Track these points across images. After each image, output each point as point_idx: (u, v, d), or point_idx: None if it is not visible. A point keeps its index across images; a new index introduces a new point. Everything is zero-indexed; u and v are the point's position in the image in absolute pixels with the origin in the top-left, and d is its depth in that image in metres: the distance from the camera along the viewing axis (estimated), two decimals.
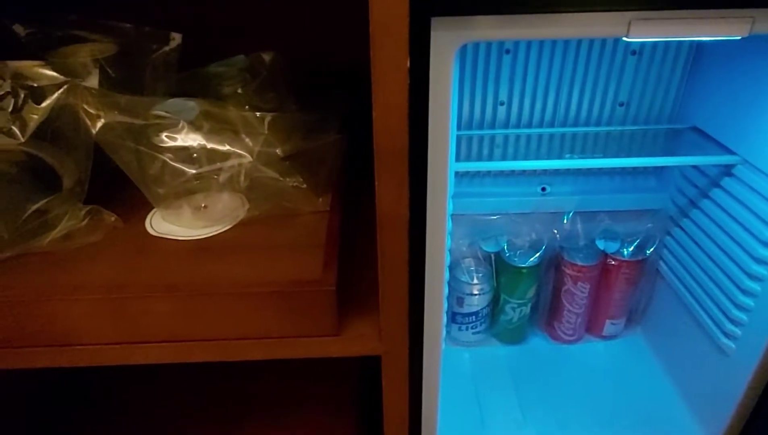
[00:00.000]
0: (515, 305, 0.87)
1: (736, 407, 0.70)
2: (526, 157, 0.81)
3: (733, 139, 0.69)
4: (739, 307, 0.67)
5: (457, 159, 0.81)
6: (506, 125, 0.79)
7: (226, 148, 0.49)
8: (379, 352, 0.46)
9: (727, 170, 0.69)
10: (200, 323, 0.45)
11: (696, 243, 0.76)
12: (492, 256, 0.86)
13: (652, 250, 0.83)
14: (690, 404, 0.80)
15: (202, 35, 0.61)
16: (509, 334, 0.91)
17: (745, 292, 0.66)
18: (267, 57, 0.63)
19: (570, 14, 0.44)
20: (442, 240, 0.55)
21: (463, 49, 0.74)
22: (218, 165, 0.49)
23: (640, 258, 0.84)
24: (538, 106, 0.78)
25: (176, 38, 0.58)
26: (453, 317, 0.90)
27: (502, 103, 0.78)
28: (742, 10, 0.44)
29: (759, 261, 0.64)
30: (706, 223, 0.74)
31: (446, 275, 0.65)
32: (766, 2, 0.44)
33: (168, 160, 0.48)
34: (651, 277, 0.87)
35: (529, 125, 0.80)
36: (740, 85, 0.67)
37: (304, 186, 0.53)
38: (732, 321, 0.69)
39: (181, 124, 0.48)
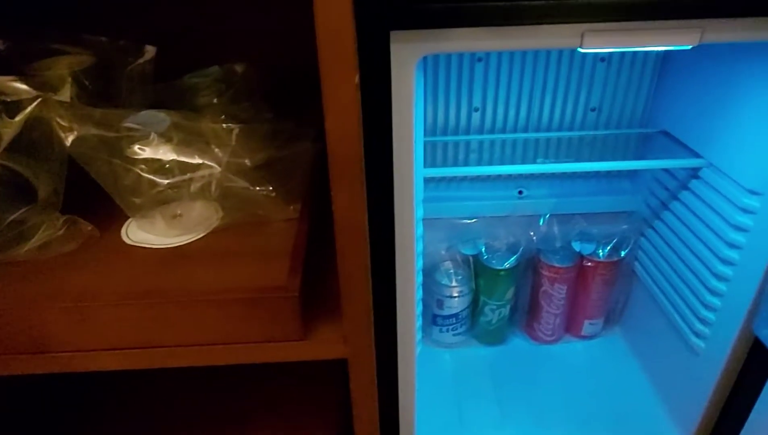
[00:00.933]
0: (494, 307, 0.89)
1: (707, 405, 0.71)
2: (501, 162, 0.82)
3: (700, 142, 0.71)
4: (707, 306, 0.69)
5: (434, 164, 0.82)
6: (481, 131, 0.81)
7: (196, 159, 0.50)
8: (345, 355, 0.48)
9: (695, 173, 0.71)
10: (171, 329, 0.47)
11: (668, 244, 0.78)
12: (470, 258, 0.88)
13: (627, 251, 0.85)
14: (665, 402, 0.81)
15: (178, 47, 0.62)
16: (489, 335, 0.93)
17: (712, 291, 0.68)
18: (240, 68, 0.64)
19: (525, 27, 0.46)
20: (411, 244, 0.57)
21: (434, 59, 0.76)
22: (189, 175, 0.50)
23: (615, 259, 0.85)
24: (512, 111, 0.80)
25: (150, 51, 0.60)
26: (434, 319, 0.91)
27: (476, 110, 0.80)
28: (690, 20, 0.46)
29: (724, 261, 0.66)
30: (677, 225, 0.75)
31: (419, 278, 0.67)
32: (713, 13, 0.45)
33: (140, 171, 0.49)
34: (627, 278, 0.89)
35: (504, 130, 0.81)
36: (705, 91, 0.69)
37: (274, 194, 0.54)
38: (701, 320, 0.70)
39: (152, 136, 0.50)
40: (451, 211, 0.85)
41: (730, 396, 0.69)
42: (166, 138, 0.51)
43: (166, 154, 0.50)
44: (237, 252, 0.52)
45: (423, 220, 0.82)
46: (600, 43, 0.46)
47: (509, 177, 0.86)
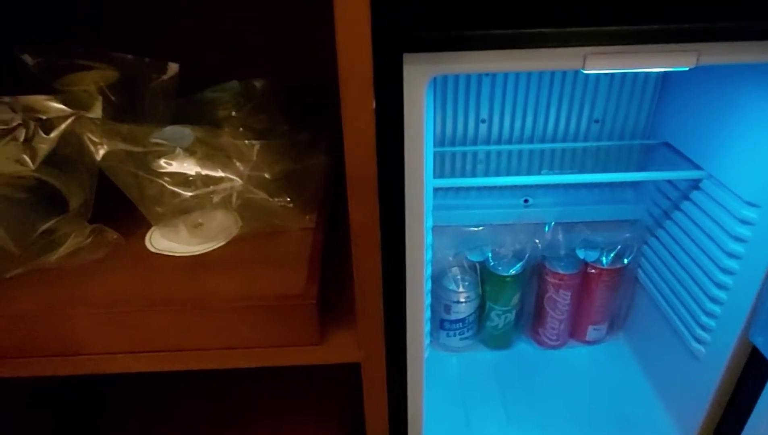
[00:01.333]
0: (500, 312, 0.91)
1: (708, 409, 0.73)
2: (508, 172, 0.85)
3: (700, 154, 0.73)
4: (708, 313, 0.71)
5: (442, 174, 0.85)
6: (488, 142, 0.84)
7: (219, 172, 0.53)
8: (358, 359, 0.50)
9: (695, 184, 0.73)
10: (193, 334, 0.49)
11: (670, 252, 0.80)
12: (477, 265, 0.90)
13: (630, 258, 0.87)
14: (667, 406, 0.84)
15: (199, 62, 0.65)
16: (495, 339, 0.95)
17: (712, 299, 0.70)
18: (258, 84, 0.67)
19: (530, 50, 0.48)
20: (421, 252, 0.60)
21: (441, 76, 0.79)
22: (212, 188, 0.53)
23: (618, 266, 0.88)
24: (518, 123, 0.82)
25: (173, 68, 0.63)
26: (441, 324, 0.94)
27: (483, 121, 0.82)
28: (687, 44, 0.48)
29: (724, 270, 0.68)
30: (679, 234, 0.77)
31: (428, 285, 0.69)
32: (709, 37, 0.48)
33: (165, 183, 0.52)
34: (630, 285, 0.91)
35: (510, 141, 0.84)
36: (706, 105, 0.71)
37: (291, 205, 0.57)
38: (701, 326, 0.72)
39: (177, 151, 0.53)
40: (459, 219, 0.88)
41: (730, 400, 0.71)
42: (190, 152, 0.54)
43: (190, 167, 0.53)
44: (256, 260, 0.55)
45: (432, 227, 0.85)
46: (602, 65, 0.49)
47: (515, 186, 0.88)
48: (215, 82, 0.69)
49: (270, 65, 0.73)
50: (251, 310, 0.48)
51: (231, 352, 0.50)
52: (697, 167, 0.72)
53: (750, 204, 0.63)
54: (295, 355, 0.49)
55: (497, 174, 0.84)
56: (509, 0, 0.48)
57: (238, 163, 0.55)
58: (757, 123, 0.61)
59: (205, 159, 0.54)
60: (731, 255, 0.66)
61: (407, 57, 0.48)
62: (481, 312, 0.93)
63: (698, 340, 0.73)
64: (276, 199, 0.57)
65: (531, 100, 0.81)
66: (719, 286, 0.69)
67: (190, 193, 0.53)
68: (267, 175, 0.55)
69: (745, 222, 0.64)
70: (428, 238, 0.65)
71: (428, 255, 0.66)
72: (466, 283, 0.90)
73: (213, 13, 0.73)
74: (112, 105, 0.61)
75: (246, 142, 0.54)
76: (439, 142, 0.83)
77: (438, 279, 0.91)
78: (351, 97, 0.38)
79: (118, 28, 0.73)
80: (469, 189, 0.89)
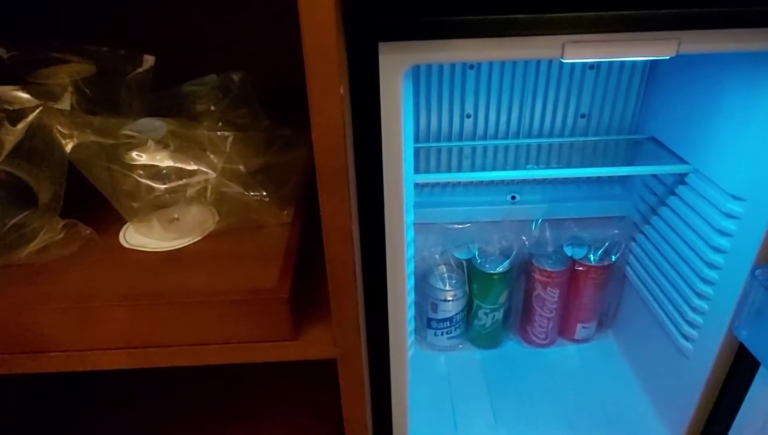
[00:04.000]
0: (488, 310, 0.90)
1: (696, 408, 0.72)
2: (494, 168, 0.84)
3: (686, 148, 0.72)
4: (695, 309, 0.70)
5: (427, 171, 0.84)
6: (473, 137, 0.83)
7: (192, 165, 0.52)
8: (334, 355, 0.49)
9: (682, 179, 0.72)
10: (166, 330, 0.48)
11: (657, 248, 0.79)
12: (464, 263, 0.89)
13: (618, 255, 0.86)
14: (655, 404, 0.83)
15: (177, 55, 0.64)
16: (484, 338, 0.94)
17: (699, 295, 0.69)
18: (237, 76, 0.66)
19: (507, 39, 0.47)
20: (402, 247, 0.59)
21: (427, 67, 0.78)
22: (185, 181, 0.52)
23: (606, 263, 0.87)
24: (503, 118, 0.82)
25: (149, 60, 0.62)
26: (428, 323, 0.93)
27: (468, 116, 0.81)
28: (667, 32, 0.47)
29: (710, 265, 0.67)
30: (666, 230, 0.77)
31: (410, 282, 0.68)
32: (689, 25, 0.47)
33: (138, 177, 0.51)
34: (619, 282, 0.90)
35: (496, 136, 0.83)
36: (691, 98, 0.70)
37: (268, 200, 0.56)
38: (689, 323, 0.71)
39: (149, 143, 0.52)
40: (444, 217, 0.87)
41: (718, 397, 0.70)
42: (163, 144, 0.53)
43: (162, 160, 0.51)
44: (231, 255, 0.54)
45: (417, 224, 0.84)
46: (580, 54, 0.48)
47: (502, 182, 0.88)
48: (194, 76, 0.68)
49: (251, 59, 0.72)
50: (223, 305, 0.47)
51: (204, 347, 0.48)
52: (683, 162, 0.72)
53: (735, 197, 0.62)
54: (269, 351, 0.48)
55: (483, 170, 0.83)
56: None
57: (211, 156, 0.54)
58: (741, 115, 0.61)
59: (178, 151, 0.53)
60: (716, 249, 0.65)
61: (383, 46, 0.47)
62: (468, 310, 0.92)
63: (686, 337, 0.72)
64: (252, 193, 0.56)
65: (516, 95, 0.80)
66: (705, 281, 0.68)
67: (164, 186, 0.51)
68: (242, 168, 0.54)
69: (730, 216, 0.63)
70: (410, 234, 0.64)
71: (410, 251, 0.64)
72: (453, 282, 0.89)
73: (190, 4, 0.72)
74: (87, 98, 0.60)
75: (219, 133, 0.53)
76: (424, 137, 0.82)
77: (424, 277, 0.90)
78: (317, 83, 0.37)
79: (94, 23, 0.72)
80: (454, 185, 0.88)
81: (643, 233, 0.83)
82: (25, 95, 0.51)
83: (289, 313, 0.47)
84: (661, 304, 0.78)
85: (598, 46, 0.48)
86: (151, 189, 0.52)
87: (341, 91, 0.38)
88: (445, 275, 0.90)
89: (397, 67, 0.48)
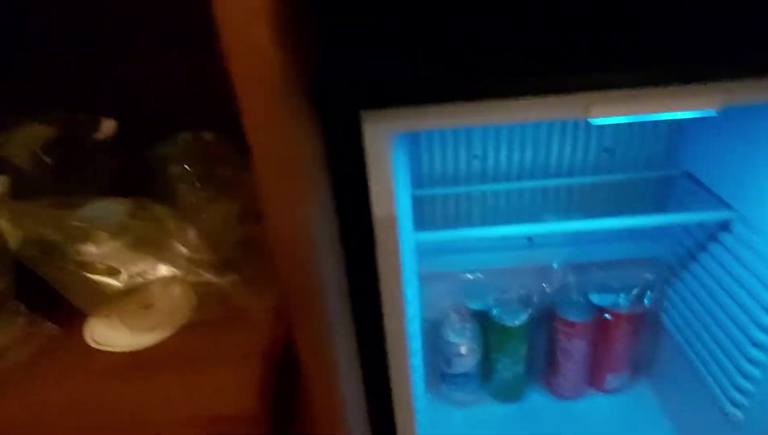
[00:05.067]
0: (508, 364, 0.82)
1: None
2: (507, 213, 0.76)
3: (729, 190, 0.63)
4: (745, 375, 0.61)
5: (432, 218, 0.76)
6: (483, 180, 0.74)
7: (152, 261, 0.45)
8: None
9: (725, 225, 0.63)
10: None
11: (697, 299, 0.70)
12: (479, 314, 0.81)
13: (651, 301, 0.77)
14: None
15: (144, 111, 0.58)
16: (504, 391, 0.86)
17: (750, 360, 0.60)
18: (209, 136, 0.59)
19: (515, 101, 0.39)
20: (401, 326, 0.51)
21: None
22: (147, 275, 0.45)
23: (638, 311, 0.78)
24: (516, 156, 0.73)
25: (109, 125, 0.56)
26: (443, 377, 0.85)
27: (476, 157, 0.73)
28: (710, 84, 0.39)
29: (762, 328, 0.58)
30: (707, 279, 0.67)
31: (415, 344, 0.61)
32: (736, 73, 0.38)
33: (90, 275, 0.44)
34: (653, 328, 0.81)
35: (508, 178, 0.74)
36: (733, 132, 0.61)
37: (246, 283, 0.49)
38: (738, 389, 0.62)
39: (101, 235, 0.45)
40: (454, 265, 0.79)
41: None
42: (121, 232, 0.46)
43: (118, 256, 0.45)
44: (205, 356, 0.47)
45: (424, 273, 0.76)
46: (610, 112, 0.40)
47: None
48: (163, 133, 0.61)
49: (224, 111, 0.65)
50: None
51: None
52: (726, 205, 0.62)
53: None
54: None
55: (495, 216, 0.75)
56: (481, 45, 0.38)
57: (177, 245, 0.47)
58: None
59: (138, 242, 0.46)
60: None
61: (365, 114, 0.40)
62: (485, 362, 0.84)
63: (734, 403, 0.63)
64: (224, 279, 0.48)
65: (530, 129, 0.72)
66: (757, 345, 0.59)
67: (120, 284, 0.45)
68: (212, 254, 0.47)
69: None
70: (411, 309, 0.56)
71: (413, 328, 0.57)
72: (467, 334, 0.81)
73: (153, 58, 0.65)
74: (45, 167, 0.55)
75: (184, 216, 0.46)
76: (427, 182, 0.74)
77: (436, 330, 0.82)
78: (268, 174, 0.29)
79: (51, 82, 0.66)
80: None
81: (681, 279, 0.74)
82: None
83: None
84: (704, 362, 0.69)
85: (630, 102, 0.39)
86: (109, 286, 0.45)
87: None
88: (458, 327, 0.82)
89: (384, 136, 0.41)
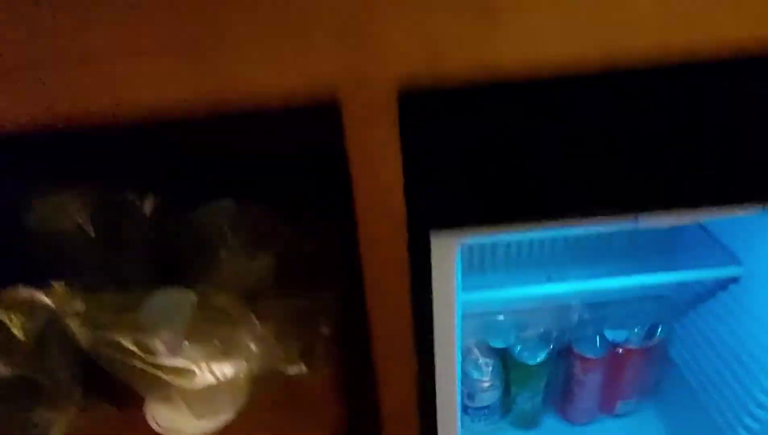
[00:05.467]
0: (527, 397, 0.86)
1: None
2: (527, 257, 0.79)
3: (737, 241, 0.66)
4: (756, 418, 0.66)
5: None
6: None
7: (222, 355, 0.47)
8: None
9: (733, 278, 0.67)
10: None
11: (708, 340, 0.74)
12: (500, 351, 0.85)
13: (661, 336, 0.82)
14: None
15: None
16: (524, 421, 0.90)
17: (761, 405, 0.65)
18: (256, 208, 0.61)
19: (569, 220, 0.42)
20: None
21: None
22: (217, 373, 0.47)
23: (649, 345, 0.82)
24: None
25: (150, 202, 0.57)
26: (465, 409, 0.89)
27: None
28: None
29: None
30: (716, 324, 0.72)
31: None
32: None
33: (164, 376, 0.46)
34: (662, 359, 0.86)
35: None
36: None
37: (306, 372, 0.51)
38: (750, 416, 0.67)
39: (171, 334, 0.46)
40: (478, 307, 0.82)
41: None
42: (187, 328, 0.48)
43: (188, 353, 0.46)
44: None
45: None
46: (658, 223, 0.43)
47: (538, 265, 0.82)
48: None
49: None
50: None
51: None
52: (734, 260, 0.66)
53: None
54: None
55: (517, 261, 0.78)
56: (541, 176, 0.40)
57: (243, 335, 0.49)
58: None
59: (204, 336, 0.48)
60: None
61: (435, 233, 0.42)
62: (506, 395, 0.88)
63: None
64: (290, 367, 0.51)
65: None
66: (766, 392, 0.63)
67: (191, 386, 0.46)
68: (282, 352, 0.49)
69: None
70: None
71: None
72: (490, 370, 0.85)
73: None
74: (89, 241, 0.56)
75: (253, 316, 0.48)
76: None
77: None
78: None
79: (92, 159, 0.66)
80: (488, 269, 0.83)
81: (688, 318, 0.78)
82: (44, 299, 0.45)
83: None
84: (712, 399, 0.74)
85: (677, 217, 0.42)
86: (181, 386, 0.47)
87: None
88: (481, 363, 0.85)
89: (449, 249, 0.43)
